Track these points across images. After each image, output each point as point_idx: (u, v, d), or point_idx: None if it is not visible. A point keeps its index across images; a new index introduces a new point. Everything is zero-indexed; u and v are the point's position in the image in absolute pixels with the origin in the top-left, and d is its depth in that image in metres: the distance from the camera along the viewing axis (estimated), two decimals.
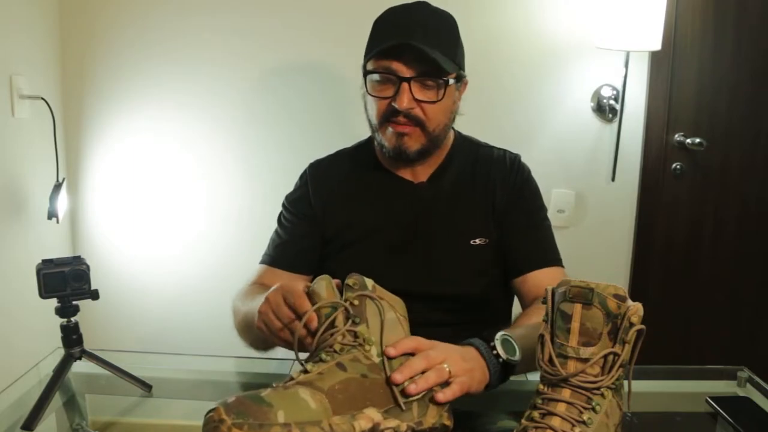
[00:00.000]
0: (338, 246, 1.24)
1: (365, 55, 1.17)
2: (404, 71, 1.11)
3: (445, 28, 1.16)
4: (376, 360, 0.81)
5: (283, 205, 1.31)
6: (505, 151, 1.30)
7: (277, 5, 2.00)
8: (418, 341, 0.85)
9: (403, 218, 1.23)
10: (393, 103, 1.12)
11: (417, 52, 1.09)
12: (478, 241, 1.22)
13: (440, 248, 1.21)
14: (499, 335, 0.92)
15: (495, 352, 0.90)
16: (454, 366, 0.84)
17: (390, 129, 1.15)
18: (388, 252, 1.22)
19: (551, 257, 1.23)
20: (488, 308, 1.25)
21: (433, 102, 1.13)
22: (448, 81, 1.13)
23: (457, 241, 1.22)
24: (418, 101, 1.12)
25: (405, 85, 1.10)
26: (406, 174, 1.25)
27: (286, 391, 0.73)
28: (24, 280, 1.47)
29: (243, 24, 2.00)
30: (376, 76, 1.14)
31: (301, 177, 1.32)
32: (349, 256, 1.22)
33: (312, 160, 1.34)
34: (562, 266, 1.22)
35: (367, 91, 1.16)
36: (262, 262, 1.27)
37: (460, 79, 1.19)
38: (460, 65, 1.18)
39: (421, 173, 1.25)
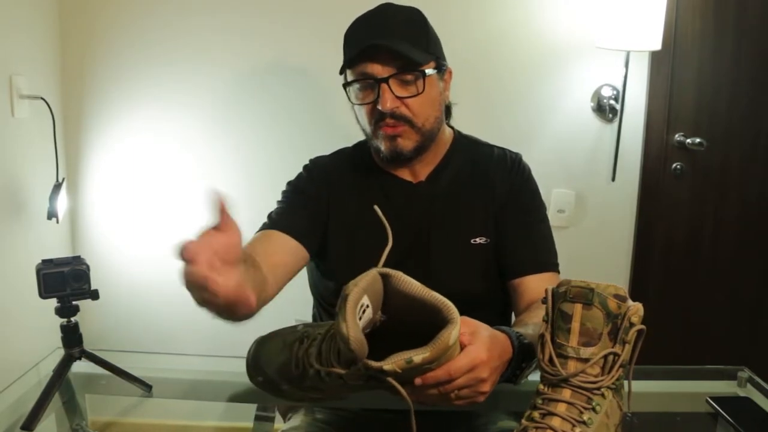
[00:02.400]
0: (337, 248, 1.23)
1: (342, 67, 1.18)
2: (379, 72, 1.11)
3: (411, 21, 1.17)
4: None
5: (284, 191, 1.29)
6: (505, 150, 1.30)
7: (278, 5, 2.00)
8: (472, 359, 0.78)
9: (403, 218, 1.22)
10: (377, 106, 1.12)
11: (386, 51, 1.10)
12: (478, 240, 1.22)
13: (440, 247, 1.21)
14: (535, 363, 0.89)
15: (518, 372, 0.89)
16: (483, 373, 0.81)
17: (381, 133, 1.15)
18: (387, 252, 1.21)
19: (548, 261, 1.22)
20: (488, 307, 1.25)
21: (415, 96, 1.13)
22: (424, 72, 1.13)
23: (457, 239, 1.22)
24: (400, 99, 1.12)
25: (383, 85, 1.11)
26: (404, 174, 1.25)
27: None
28: (24, 280, 1.47)
29: (243, 24, 2.00)
30: (355, 84, 1.15)
31: (304, 168, 1.31)
32: (347, 259, 1.22)
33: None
34: (558, 272, 1.22)
35: (351, 100, 1.17)
36: (258, 231, 1.22)
37: (441, 68, 1.19)
38: (435, 54, 1.18)
39: (420, 172, 1.25)
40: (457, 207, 1.24)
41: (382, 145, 1.16)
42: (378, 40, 1.10)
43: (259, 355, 0.92)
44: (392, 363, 0.69)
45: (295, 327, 0.90)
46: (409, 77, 1.12)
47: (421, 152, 1.19)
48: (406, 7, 1.18)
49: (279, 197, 1.31)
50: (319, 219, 1.23)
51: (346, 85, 1.17)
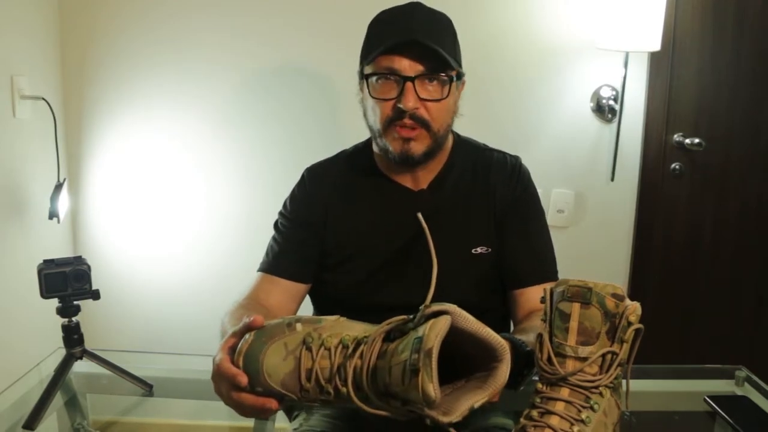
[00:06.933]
0: (338, 257, 1.21)
1: (363, 58, 1.15)
2: (407, 70, 1.08)
3: (444, 25, 1.15)
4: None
5: (281, 213, 1.27)
6: (504, 153, 1.27)
7: (278, 6, 2.00)
8: None
9: (403, 228, 1.19)
10: (398, 104, 1.08)
11: (421, 49, 1.06)
12: (479, 249, 1.19)
13: (440, 257, 1.20)
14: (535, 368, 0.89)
15: (520, 380, 0.88)
16: None
17: (396, 134, 1.11)
18: (387, 263, 1.19)
19: (549, 271, 1.21)
20: (488, 317, 1.24)
21: (439, 100, 1.10)
22: (453, 77, 1.11)
23: (458, 250, 1.19)
24: (423, 101, 1.09)
25: (409, 84, 1.07)
26: (406, 181, 1.22)
27: None
28: (25, 280, 1.48)
29: (243, 24, 2.01)
30: (377, 78, 1.10)
31: (300, 183, 1.28)
32: (348, 267, 1.20)
33: (309, 164, 1.31)
34: (557, 280, 1.22)
35: (369, 94, 1.12)
36: (260, 269, 1.22)
37: (460, 77, 1.17)
38: (459, 63, 1.16)
39: (422, 179, 1.21)
40: (459, 217, 1.21)
41: (393, 146, 1.12)
42: (414, 35, 1.07)
43: (259, 367, 0.80)
44: (458, 414, 0.71)
45: (289, 325, 0.82)
46: (435, 81, 1.10)
47: (429, 157, 1.16)
48: (438, 11, 1.16)
49: (278, 198, 1.30)
50: (318, 246, 1.22)
51: (365, 76, 1.12)
